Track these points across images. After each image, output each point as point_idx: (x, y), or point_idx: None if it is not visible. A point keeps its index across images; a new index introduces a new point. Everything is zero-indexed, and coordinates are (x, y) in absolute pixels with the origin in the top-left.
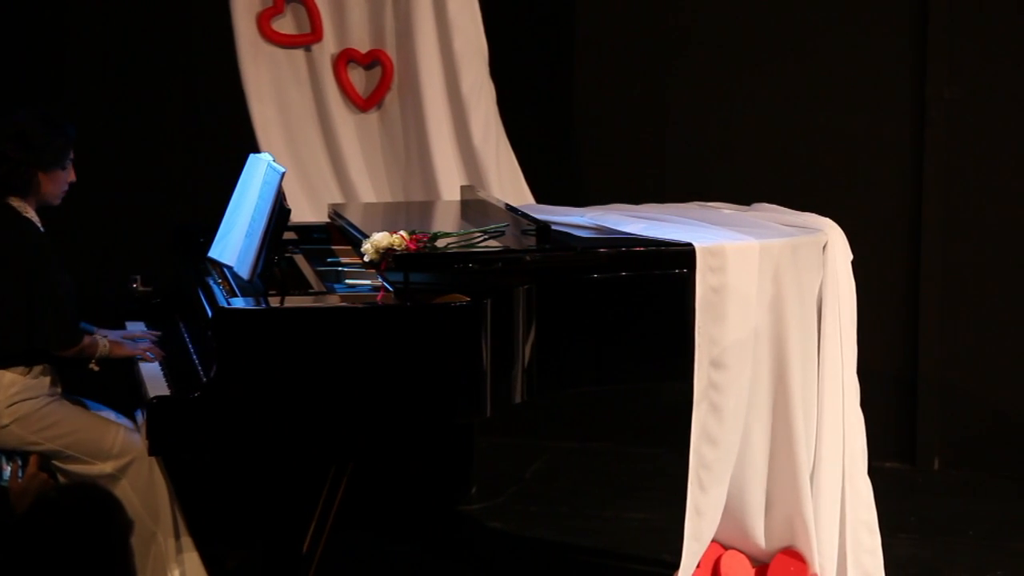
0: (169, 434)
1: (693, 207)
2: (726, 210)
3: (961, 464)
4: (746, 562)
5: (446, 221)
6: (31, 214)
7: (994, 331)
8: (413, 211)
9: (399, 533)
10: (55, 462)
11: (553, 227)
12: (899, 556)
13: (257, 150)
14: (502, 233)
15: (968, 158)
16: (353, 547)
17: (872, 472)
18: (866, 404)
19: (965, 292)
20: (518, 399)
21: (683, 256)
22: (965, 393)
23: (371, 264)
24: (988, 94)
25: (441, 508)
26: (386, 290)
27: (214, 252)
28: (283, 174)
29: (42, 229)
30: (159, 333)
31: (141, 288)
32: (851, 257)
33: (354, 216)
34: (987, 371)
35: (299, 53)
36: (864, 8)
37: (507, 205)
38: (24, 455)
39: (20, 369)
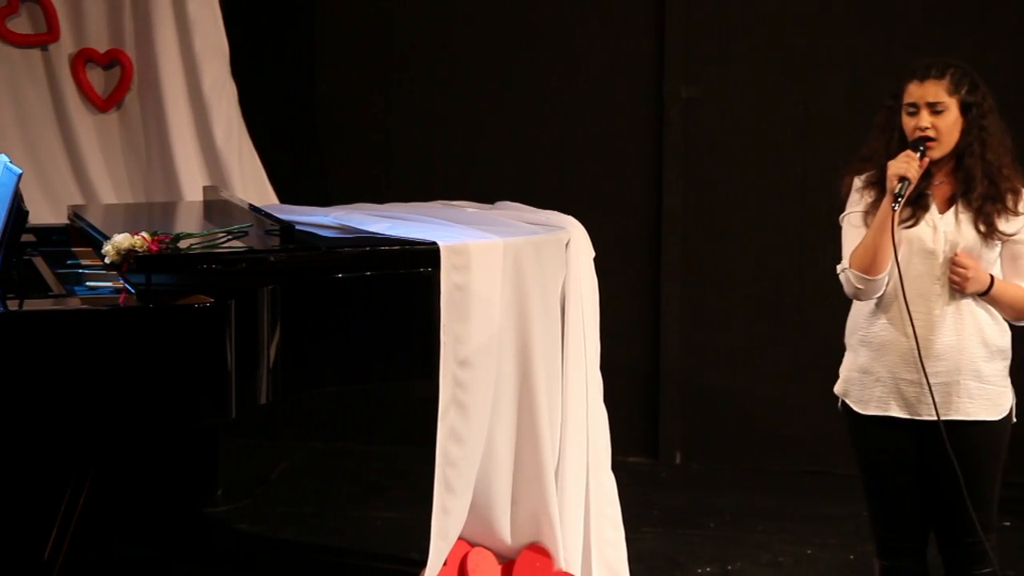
0: None
1: (437, 206)
2: (470, 209)
3: (702, 458)
4: (492, 559)
5: (189, 222)
6: None
7: (733, 326)
8: (155, 212)
9: (143, 537)
10: None
11: (297, 227)
12: (642, 550)
13: None
14: (246, 233)
15: (706, 156)
16: (96, 552)
17: (616, 467)
18: (609, 400)
19: (705, 288)
20: (263, 400)
21: (427, 255)
22: (705, 388)
23: (112, 266)
24: (724, 93)
25: (187, 511)
26: (128, 292)
27: None
28: (20, 175)
29: None
30: None
31: None
32: (593, 254)
33: (95, 217)
34: (727, 366)
35: (35, 53)
36: (604, 7)
37: (251, 205)
38: None
39: None
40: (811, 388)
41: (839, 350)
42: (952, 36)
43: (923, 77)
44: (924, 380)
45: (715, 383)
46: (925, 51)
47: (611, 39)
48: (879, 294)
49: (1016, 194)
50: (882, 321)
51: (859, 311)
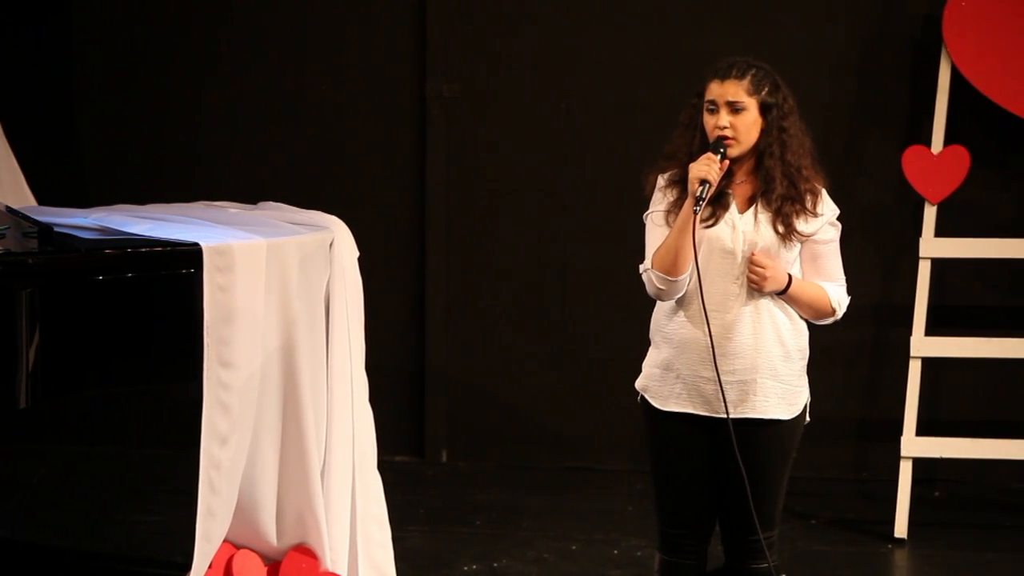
0: None
1: (199, 206)
2: (232, 209)
3: (468, 456)
4: (258, 561)
5: None
6: None
7: (497, 325)
8: None
9: None
10: None
11: (56, 229)
12: (409, 548)
13: None
14: (3, 236)
15: (468, 155)
16: None
17: (382, 466)
18: (375, 399)
19: (469, 287)
20: (23, 403)
21: (190, 256)
22: (471, 386)
23: None
24: (486, 92)
25: None
26: None
27: None
28: None
29: None
30: None
31: None
32: (357, 254)
33: None
34: (491, 364)
35: None
36: (365, 6)
37: (7, 207)
38: None
39: None
40: (574, 386)
41: (601, 348)
42: (722, 38)
43: (724, 76)
44: (720, 378)
45: (480, 382)
46: (691, 53)
47: (372, 38)
48: (681, 294)
49: (815, 195)
50: (681, 318)
51: (661, 308)
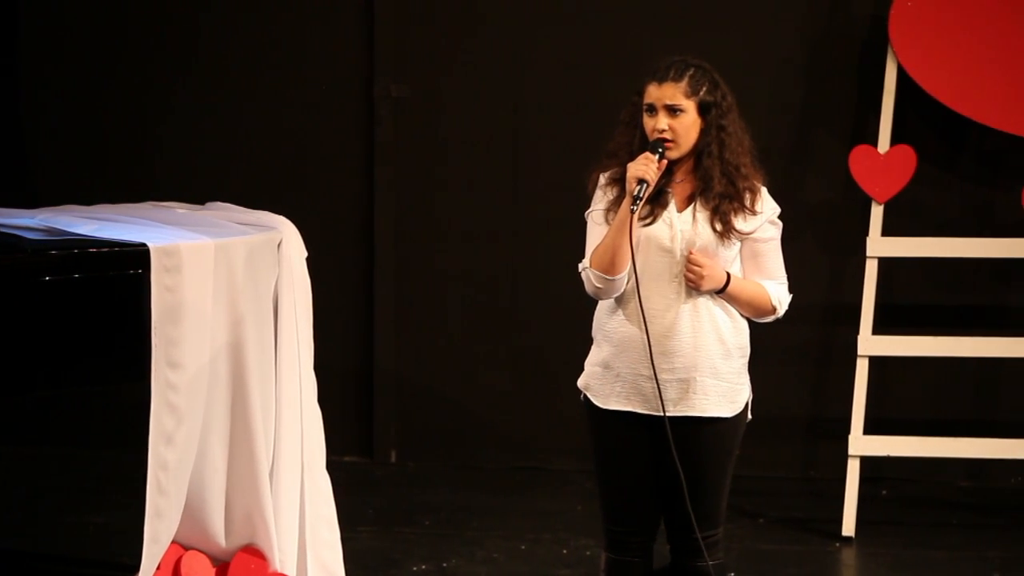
0: None
1: (147, 207)
2: (180, 209)
3: (417, 456)
4: (206, 562)
5: None
6: None
7: (447, 325)
8: None
9: None
10: None
11: (2, 229)
12: (358, 549)
13: None
14: None
15: (417, 156)
16: None
17: (331, 467)
18: (324, 399)
19: (418, 288)
20: None
21: (137, 256)
22: (420, 387)
23: None
24: (434, 93)
25: None
26: None
27: None
28: None
29: None
30: None
31: None
32: (306, 254)
33: None
34: (440, 365)
35: None
36: (314, 6)
37: None
38: None
39: None
40: (524, 386)
41: (550, 348)
42: (669, 38)
43: (662, 79)
44: (657, 377)
45: (429, 382)
46: (639, 53)
47: (320, 38)
48: (619, 293)
49: (754, 193)
50: (621, 317)
51: (603, 306)
